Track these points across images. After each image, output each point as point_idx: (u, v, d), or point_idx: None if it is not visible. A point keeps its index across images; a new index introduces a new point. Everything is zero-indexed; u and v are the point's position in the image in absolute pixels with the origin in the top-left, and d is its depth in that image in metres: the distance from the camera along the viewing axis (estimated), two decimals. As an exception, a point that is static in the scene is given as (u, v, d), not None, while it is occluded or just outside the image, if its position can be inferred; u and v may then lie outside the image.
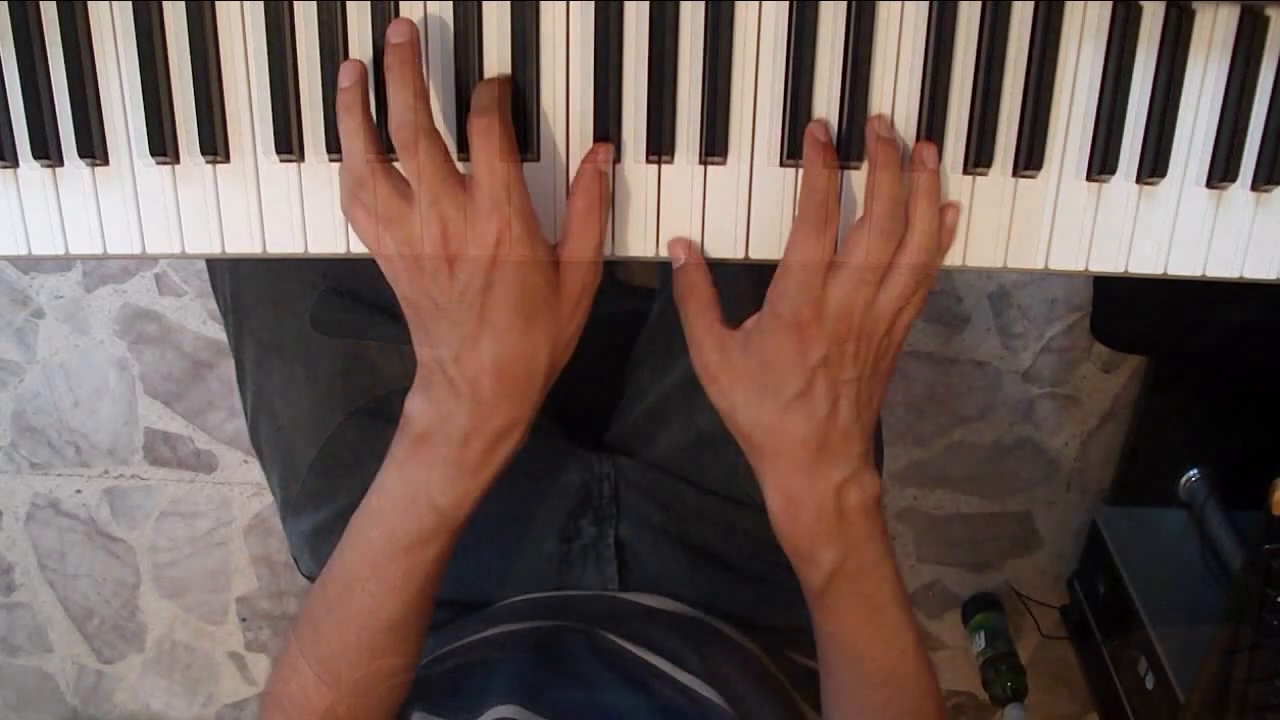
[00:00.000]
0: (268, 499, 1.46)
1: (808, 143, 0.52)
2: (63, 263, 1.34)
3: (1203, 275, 0.56)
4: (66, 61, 0.51)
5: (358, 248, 0.53)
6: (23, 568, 1.52)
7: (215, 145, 0.52)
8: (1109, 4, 0.52)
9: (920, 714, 0.56)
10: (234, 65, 0.52)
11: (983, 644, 1.41)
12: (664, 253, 0.54)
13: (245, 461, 1.44)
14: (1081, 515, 1.43)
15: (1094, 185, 0.55)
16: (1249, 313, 1.13)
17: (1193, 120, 0.54)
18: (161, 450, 1.44)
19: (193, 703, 1.61)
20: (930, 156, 0.52)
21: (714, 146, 0.52)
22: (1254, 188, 0.55)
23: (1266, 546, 0.90)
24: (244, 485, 1.46)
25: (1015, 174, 0.54)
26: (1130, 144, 0.54)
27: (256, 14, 0.51)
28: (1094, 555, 1.34)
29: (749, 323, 0.53)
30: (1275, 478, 0.91)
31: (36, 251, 0.54)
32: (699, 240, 0.54)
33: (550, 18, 0.51)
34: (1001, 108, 0.53)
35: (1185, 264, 0.56)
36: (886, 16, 0.52)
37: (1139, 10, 0.52)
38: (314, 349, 0.71)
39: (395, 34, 0.48)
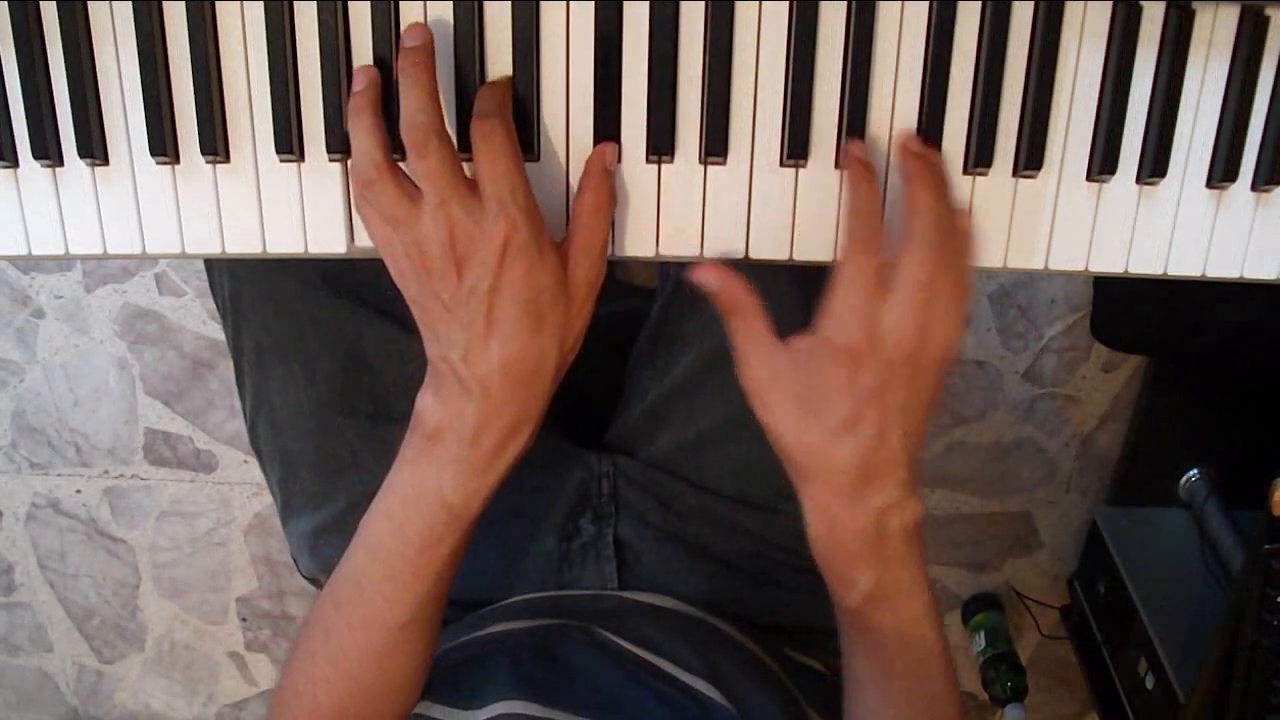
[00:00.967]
0: (268, 499, 1.46)
1: (850, 162, 0.51)
2: (63, 263, 1.34)
3: (1203, 275, 0.56)
4: (66, 61, 0.51)
5: (357, 248, 0.54)
6: (23, 568, 1.52)
7: (215, 145, 0.52)
8: (1109, 4, 0.52)
9: None
10: (234, 65, 0.52)
11: (983, 644, 1.41)
12: (664, 252, 0.54)
13: (245, 461, 1.44)
14: (1081, 515, 1.42)
15: (1094, 185, 0.55)
16: (1249, 313, 1.13)
17: (1193, 120, 0.54)
18: (161, 450, 1.44)
19: (193, 703, 1.61)
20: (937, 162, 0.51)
21: (715, 146, 0.52)
22: (1254, 188, 0.55)
23: (1266, 546, 0.90)
24: (244, 485, 1.46)
25: (1015, 174, 0.54)
26: (1130, 144, 0.54)
27: (257, 14, 0.51)
28: (1094, 555, 1.34)
29: (799, 341, 0.51)
30: (1275, 478, 0.90)
31: (37, 251, 0.54)
32: (699, 240, 0.54)
33: (551, 18, 0.51)
34: (1001, 108, 0.53)
35: (1185, 264, 0.56)
36: (887, 16, 0.52)
37: (1139, 10, 0.52)
38: (314, 349, 0.71)
39: (410, 38, 0.49)
